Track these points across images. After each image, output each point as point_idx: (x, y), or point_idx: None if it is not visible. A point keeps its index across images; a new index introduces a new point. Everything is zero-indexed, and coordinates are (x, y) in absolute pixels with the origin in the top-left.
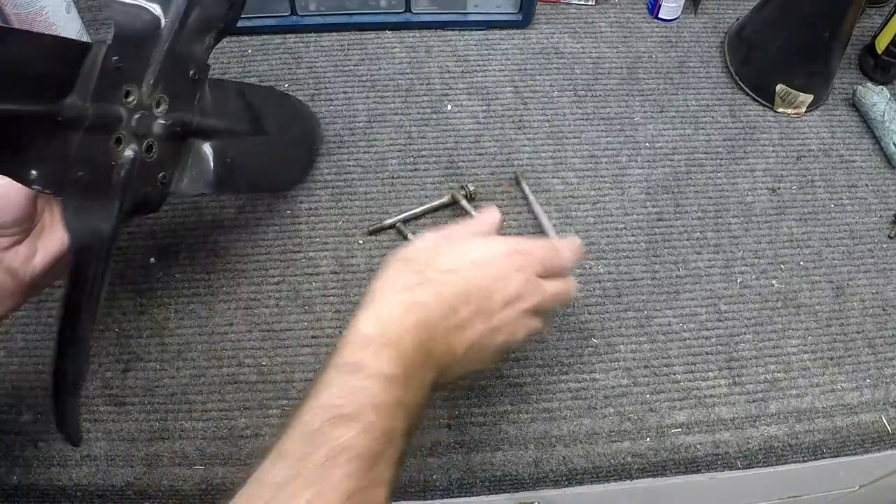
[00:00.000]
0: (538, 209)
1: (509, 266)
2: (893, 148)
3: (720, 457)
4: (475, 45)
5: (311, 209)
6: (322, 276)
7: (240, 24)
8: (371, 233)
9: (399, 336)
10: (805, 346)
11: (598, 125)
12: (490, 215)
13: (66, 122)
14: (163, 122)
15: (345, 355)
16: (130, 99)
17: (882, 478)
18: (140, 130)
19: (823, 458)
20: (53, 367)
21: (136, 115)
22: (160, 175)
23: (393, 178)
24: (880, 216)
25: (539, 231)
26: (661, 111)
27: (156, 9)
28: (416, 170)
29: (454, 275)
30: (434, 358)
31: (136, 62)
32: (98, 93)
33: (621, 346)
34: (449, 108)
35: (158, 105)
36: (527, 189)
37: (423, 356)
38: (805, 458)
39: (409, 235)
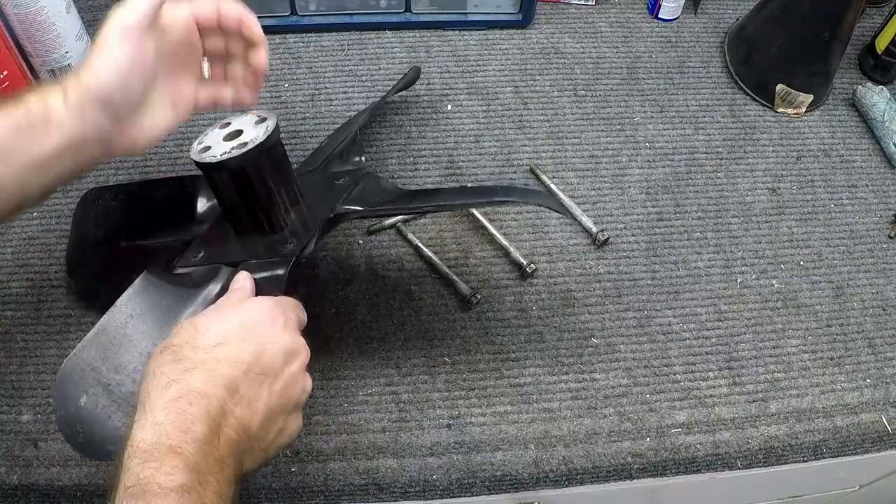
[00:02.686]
0: (565, 198)
1: (275, 321)
2: (893, 148)
3: (720, 457)
4: (475, 45)
5: None
6: (322, 276)
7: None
8: (371, 233)
9: (180, 439)
10: (805, 346)
11: (598, 125)
12: (243, 280)
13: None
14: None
15: (129, 478)
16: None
17: (882, 478)
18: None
19: (823, 458)
20: None
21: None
22: None
23: (393, 178)
24: (880, 216)
25: (560, 221)
26: (661, 111)
27: None
28: (416, 170)
29: (224, 347)
30: (229, 446)
31: None
32: None
33: (621, 346)
34: (449, 108)
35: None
36: (547, 180)
37: (214, 450)
38: (805, 458)
39: (410, 235)
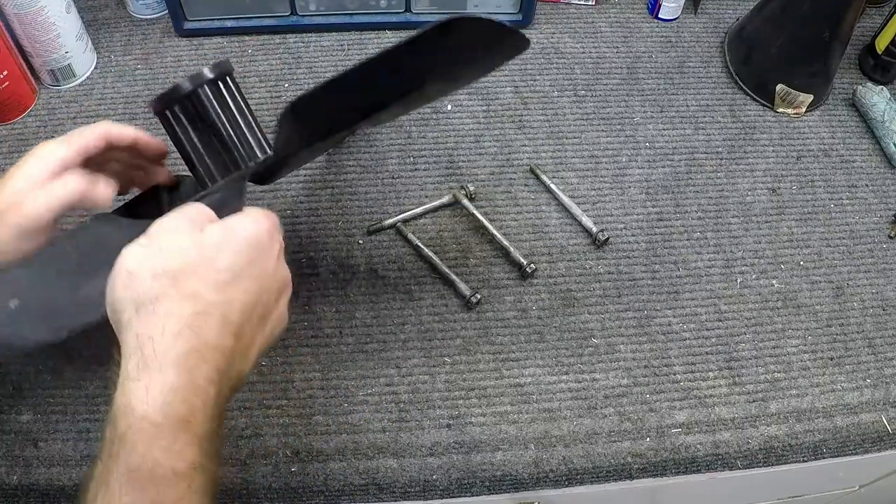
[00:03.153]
0: (564, 198)
1: (273, 248)
2: (893, 148)
3: (720, 457)
4: None
5: (311, 209)
6: (322, 276)
7: (240, 24)
8: (371, 233)
9: (192, 406)
10: (805, 346)
11: (598, 125)
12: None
13: None
14: None
15: (133, 458)
16: None
17: (882, 478)
18: None
19: (823, 458)
20: None
21: None
22: None
23: (393, 178)
24: (880, 216)
25: (560, 221)
26: (661, 111)
27: None
28: (416, 170)
29: (235, 286)
30: (226, 401)
31: None
32: None
33: (621, 346)
34: (449, 108)
35: None
36: (547, 180)
37: (218, 410)
38: (805, 458)
39: (410, 235)
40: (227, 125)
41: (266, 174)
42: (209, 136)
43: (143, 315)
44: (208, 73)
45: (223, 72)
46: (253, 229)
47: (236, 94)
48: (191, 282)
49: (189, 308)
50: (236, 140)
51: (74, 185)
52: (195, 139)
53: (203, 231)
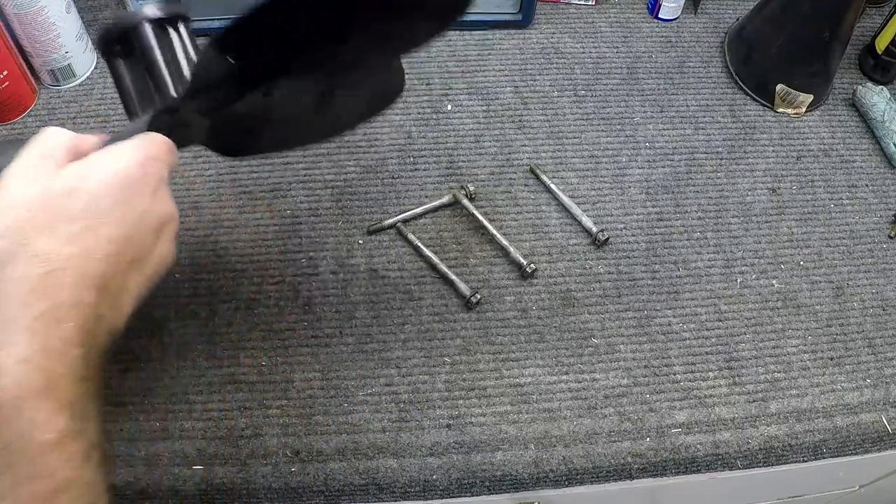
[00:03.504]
0: (564, 198)
1: (147, 179)
2: (893, 148)
3: (720, 457)
4: (475, 45)
5: (311, 209)
6: (322, 276)
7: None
8: (371, 233)
9: (52, 372)
10: (805, 346)
11: (598, 125)
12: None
13: None
14: None
15: (1, 437)
16: None
17: (882, 478)
18: None
19: (823, 458)
20: None
21: None
22: None
23: (393, 178)
24: (880, 216)
25: (560, 222)
26: (661, 111)
27: None
28: (416, 170)
29: (94, 230)
30: (100, 356)
31: None
32: None
33: (621, 346)
34: (449, 108)
35: None
36: (546, 179)
37: (90, 370)
38: (805, 458)
39: (410, 235)
40: (163, 65)
41: (200, 128)
42: (143, 74)
43: None
44: (155, 13)
45: (175, 16)
46: (117, 164)
47: (185, 41)
48: (40, 238)
49: (39, 268)
50: (168, 81)
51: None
52: (129, 75)
53: (58, 173)
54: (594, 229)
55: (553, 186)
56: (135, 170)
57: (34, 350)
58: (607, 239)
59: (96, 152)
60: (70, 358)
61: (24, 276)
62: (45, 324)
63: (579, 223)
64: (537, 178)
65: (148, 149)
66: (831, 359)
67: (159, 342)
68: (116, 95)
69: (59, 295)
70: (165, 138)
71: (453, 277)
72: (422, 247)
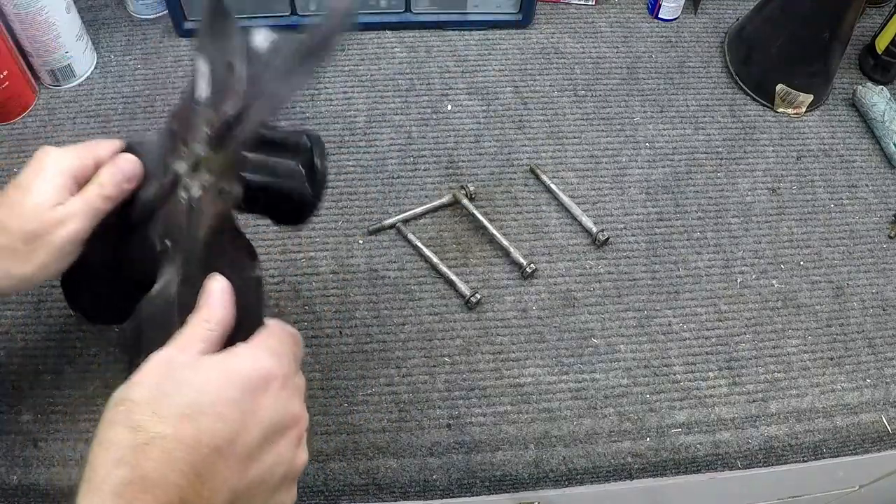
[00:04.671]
0: (564, 198)
1: (268, 384)
2: (893, 148)
3: (720, 457)
4: (475, 45)
5: None
6: (322, 276)
7: (240, 24)
8: (371, 233)
9: None
10: (805, 346)
11: (598, 125)
12: (220, 293)
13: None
14: None
15: None
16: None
17: (882, 478)
18: None
19: (823, 458)
20: None
21: None
22: None
23: (393, 178)
24: (880, 216)
25: (560, 221)
26: (661, 111)
27: None
28: (416, 170)
29: (191, 422)
30: None
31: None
32: None
33: (621, 346)
34: (449, 108)
35: None
36: (547, 180)
37: None
38: (805, 458)
39: (410, 235)
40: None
41: None
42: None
43: (94, 443)
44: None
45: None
46: (241, 367)
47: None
48: (143, 412)
49: (131, 438)
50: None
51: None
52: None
53: (197, 360)
54: (594, 229)
55: (553, 186)
56: (257, 372)
57: None
58: (607, 239)
59: (226, 354)
60: None
61: (116, 443)
62: (130, 492)
63: (579, 223)
64: (537, 178)
65: (285, 345)
66: (831, 359)
67: None
68: (116, 95)
69: (144, 468)
70: (293, 330)
71: (453, 277)
72: (422, 247)
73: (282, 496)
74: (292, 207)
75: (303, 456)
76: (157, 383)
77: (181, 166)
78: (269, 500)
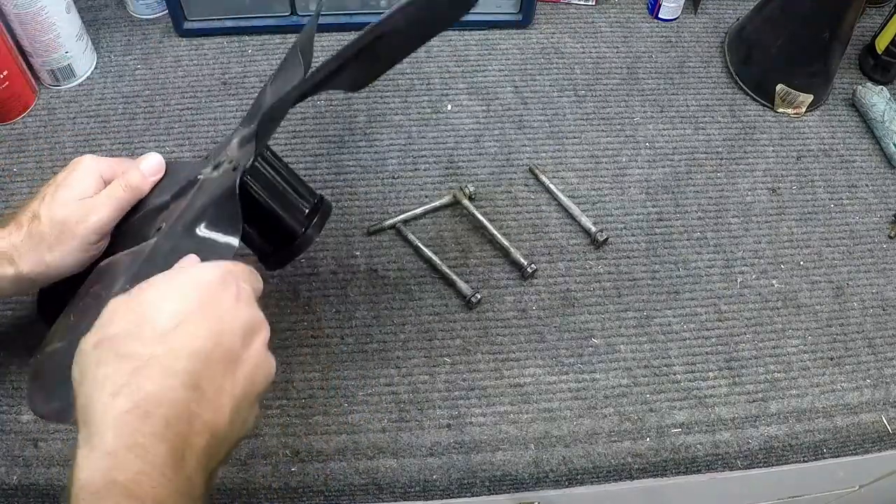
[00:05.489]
0: (564, 198)
1: (228, 290)
2: (893, 148)
3: (720, 457)
4: (475, 45)
5: None
6: (322, 276)
7: (240, 24)
8: (371, 233)
9: (137, 469)
10: (805, 346)
11: (598, 125)
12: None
13: None
14: None
15: None
16: None
17: (882, 478)
18: None
19: (823, 458)
20: None
21: None
22: None
23: (393, 178)
24: (880, 216)
25: (560, 222)
26: (661, 111)
27: None
28: (416, 170)
29: (179, 333)
30: (197, 459)
31: None
32: None
33: (621, 346)
34: (449, 108)
35: None
36: (546, 179)
37: (180, 472)
38: (805, 458)
39: (410, 236)
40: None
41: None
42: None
43: (84, 384)
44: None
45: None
46: (200, 272)
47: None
48: (128, 342)
49: (126, 366)
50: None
51: (131, 180)
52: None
53: (150, 284)
54: (594, 229)
55: (553, 186)
56: (216, 281)
57: (120, 446)
58: (607, 239)
59: (176, 268)
60: (155, 454)
61: (113, 375)
62: (131, 419)
63: (579, 223)
64: (537, 178)
65: (228, 265)
66: (831, 359)
67: None
68: (116, 95)
69: (146, 388)
70: (248, 266)
71: (453, 277)
72: (422, 247)
73: (256, 409)
74: (279, 236)
75: (273, 361)
76: (126, 314)
77: (206, 171)
78: (251, 411)
